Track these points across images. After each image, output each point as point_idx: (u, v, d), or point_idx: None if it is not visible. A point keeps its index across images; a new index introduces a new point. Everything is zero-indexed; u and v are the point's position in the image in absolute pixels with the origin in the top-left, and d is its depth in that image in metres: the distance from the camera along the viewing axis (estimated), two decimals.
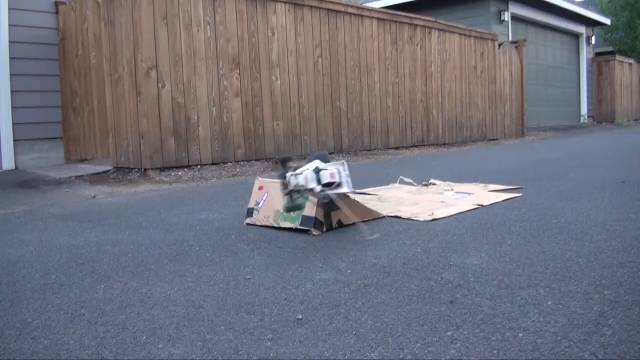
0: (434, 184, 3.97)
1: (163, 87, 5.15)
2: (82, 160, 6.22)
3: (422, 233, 2.46)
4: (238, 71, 5.80)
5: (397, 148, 7.85)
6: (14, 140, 5.86)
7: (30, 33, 5.96)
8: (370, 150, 7.42)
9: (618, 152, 6.55)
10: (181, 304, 1.64)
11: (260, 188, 2.79)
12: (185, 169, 5.27)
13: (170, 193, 4.17)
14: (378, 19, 7.55)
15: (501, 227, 2.52)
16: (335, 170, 2.35)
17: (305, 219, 2.52)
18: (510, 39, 11.81)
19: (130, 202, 3.77)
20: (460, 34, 9.11)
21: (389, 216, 2.85)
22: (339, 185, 2.36)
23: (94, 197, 4.08)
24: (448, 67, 8.85)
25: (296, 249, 2.25)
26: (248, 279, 1.88)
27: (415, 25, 8.20)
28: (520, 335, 1.33)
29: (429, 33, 8.46)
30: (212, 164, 5.56)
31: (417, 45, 8.23)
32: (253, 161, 5.91)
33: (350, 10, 7.12)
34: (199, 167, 5.41)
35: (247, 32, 5.89)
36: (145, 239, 2.56)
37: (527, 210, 2.90)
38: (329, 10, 6.82)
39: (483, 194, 3.46)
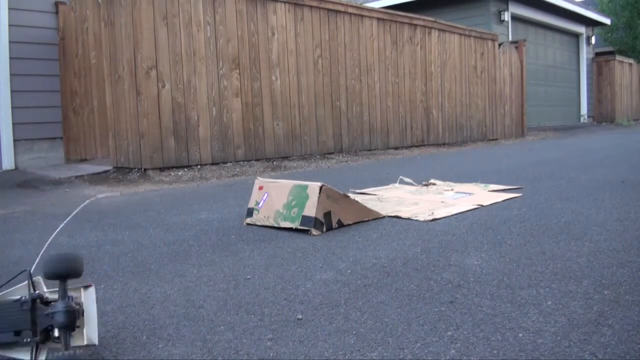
0: (434, 184, 3.97)
1: (163, 87, 5.15)
2: (82, 160, 6.22)
3: (422, 233, 2.46)
4: (238, 71, 5.80)
5: (397, 148, 7.84)
6: (14, 140, 5.86)
7: (30, 33, 5.96)
8: (370, 150, 7.42)
9: (618, 152, 6.55)
10: (181, 304, 1.64)
11: (260, 188, 2.79)
12: (185, 169, 5.27)
13: (170, 193, 4.17)
14: (378, 19, 7.55)
15: (501, 227, 2.52)
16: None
17: (305, 219, 2.52)
18: (510, 39, 11.81)
19: (130, 202, 3.77)
20: (460, 34, 9.11)
21: (389, 216, 2.85)
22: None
23: (94, 197, 4.08)
24: (448, 67, 8.84)
25: (296, 249, 2.25)
26: (248, 279, 1.88)
27: (415, 25, 8.19)
28: (520, 335, 1.33)
29: (429, 33, 8.45)
30: (212, 164, 5.56)
31: (417, 45, 8.23)
32: (253, 161, 5.91)
33: (350, 10, 7.12)
34: (199, 167, 5.41)
35: (247, 32, 5.89)
36: (145, 239, 2.56)
37: (527, 210, 2.89)
38: (329, 10, 6.82)
39: (483, 194, 3.46)
